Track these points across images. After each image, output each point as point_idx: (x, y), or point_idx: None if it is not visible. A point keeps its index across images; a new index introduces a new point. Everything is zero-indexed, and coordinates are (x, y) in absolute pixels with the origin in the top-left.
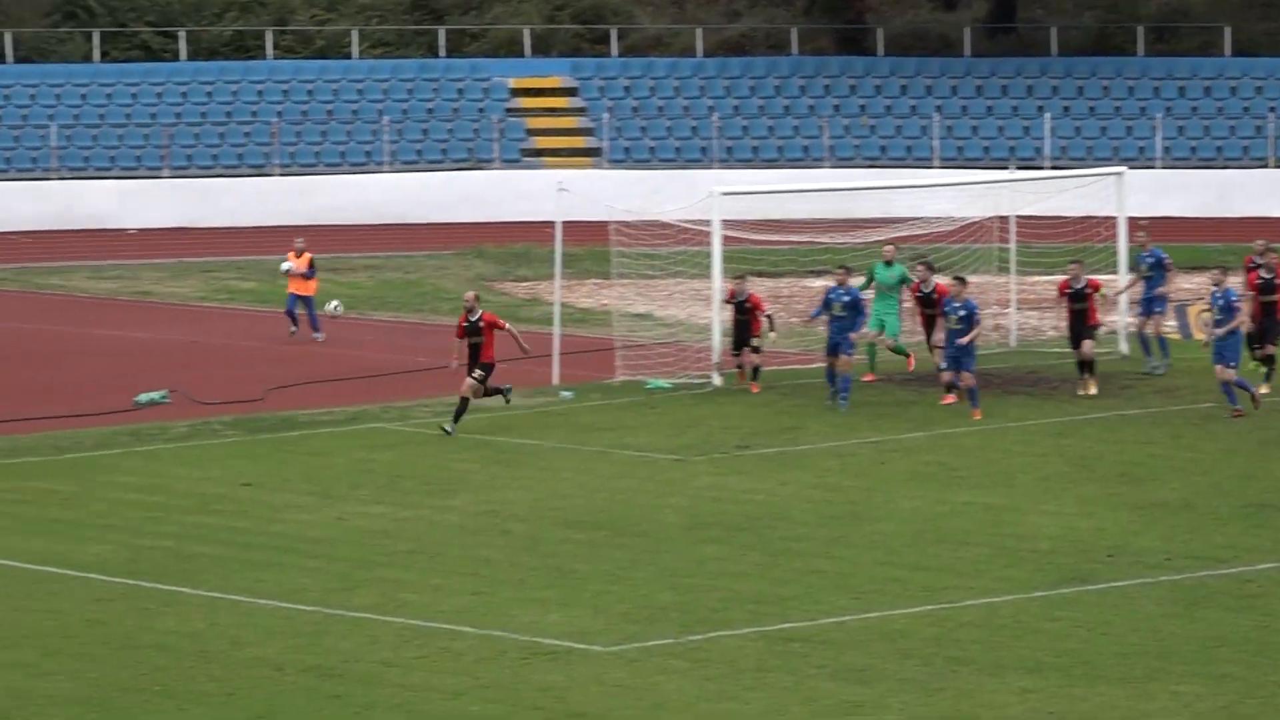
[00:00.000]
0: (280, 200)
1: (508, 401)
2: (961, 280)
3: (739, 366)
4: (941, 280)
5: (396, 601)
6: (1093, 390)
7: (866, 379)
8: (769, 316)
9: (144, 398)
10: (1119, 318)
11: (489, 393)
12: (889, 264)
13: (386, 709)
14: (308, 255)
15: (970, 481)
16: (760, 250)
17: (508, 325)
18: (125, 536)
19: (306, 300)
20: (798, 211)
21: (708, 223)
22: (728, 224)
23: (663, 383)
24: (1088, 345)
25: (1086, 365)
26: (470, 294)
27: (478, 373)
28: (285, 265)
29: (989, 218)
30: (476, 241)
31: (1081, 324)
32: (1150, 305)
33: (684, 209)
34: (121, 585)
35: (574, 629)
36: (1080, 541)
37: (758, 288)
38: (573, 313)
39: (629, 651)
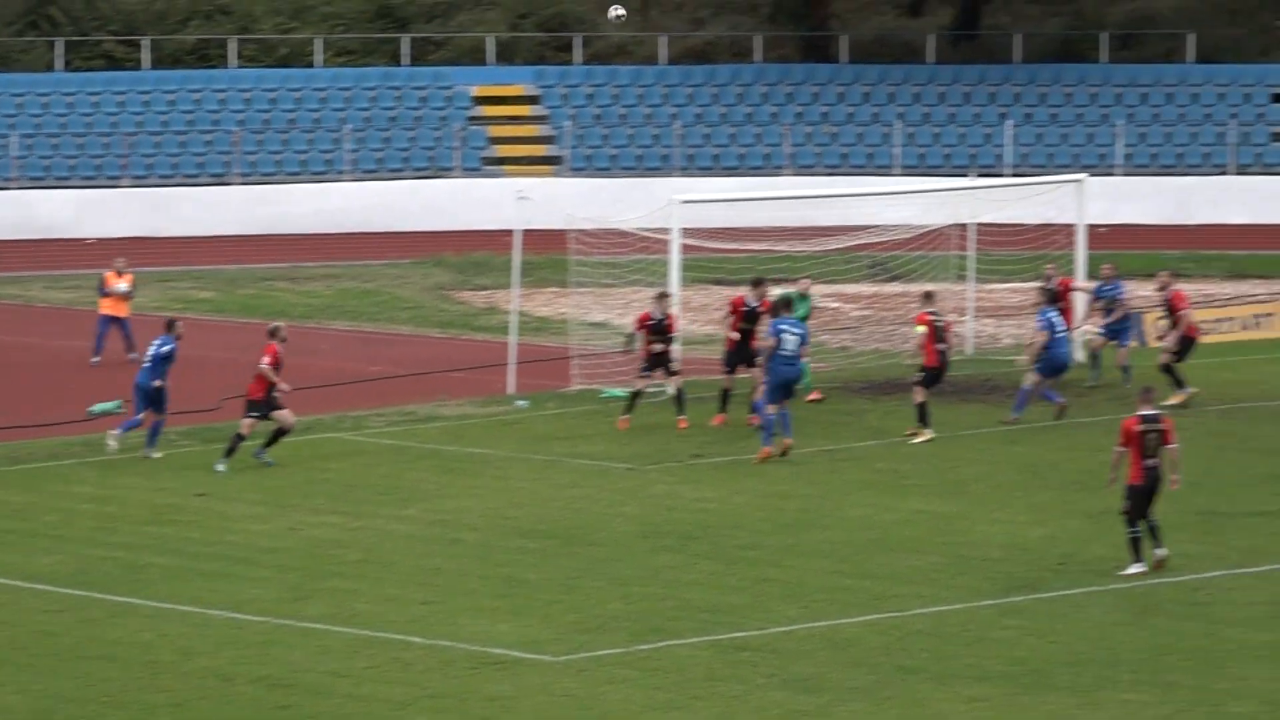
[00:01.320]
0: (240, 209)
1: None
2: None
3: (639, 393)
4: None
5: (348, 612)
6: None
7: (812, 398)
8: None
9: (98, 408)
10: (1079, 327)
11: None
12: (804, 296)
13: (334, 719)
14: (130, 275)
15: (921, 489)
16: (720, 259)
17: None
18: (77, 547)
19: (121, 322)
20: (758, 219)
21: (667, 231)
22: (687, 232)
23: (618, 391)
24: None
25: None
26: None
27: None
28: (120, 286)
29: (948, 225)
30: (436, 250)
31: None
32: (1117, 335)
33: (643, 217)
34: (72, 596)
35: (524, 639)
36: (1031, 550)
37: (717, 296)
38: (530, 321)
39: (578, 661)
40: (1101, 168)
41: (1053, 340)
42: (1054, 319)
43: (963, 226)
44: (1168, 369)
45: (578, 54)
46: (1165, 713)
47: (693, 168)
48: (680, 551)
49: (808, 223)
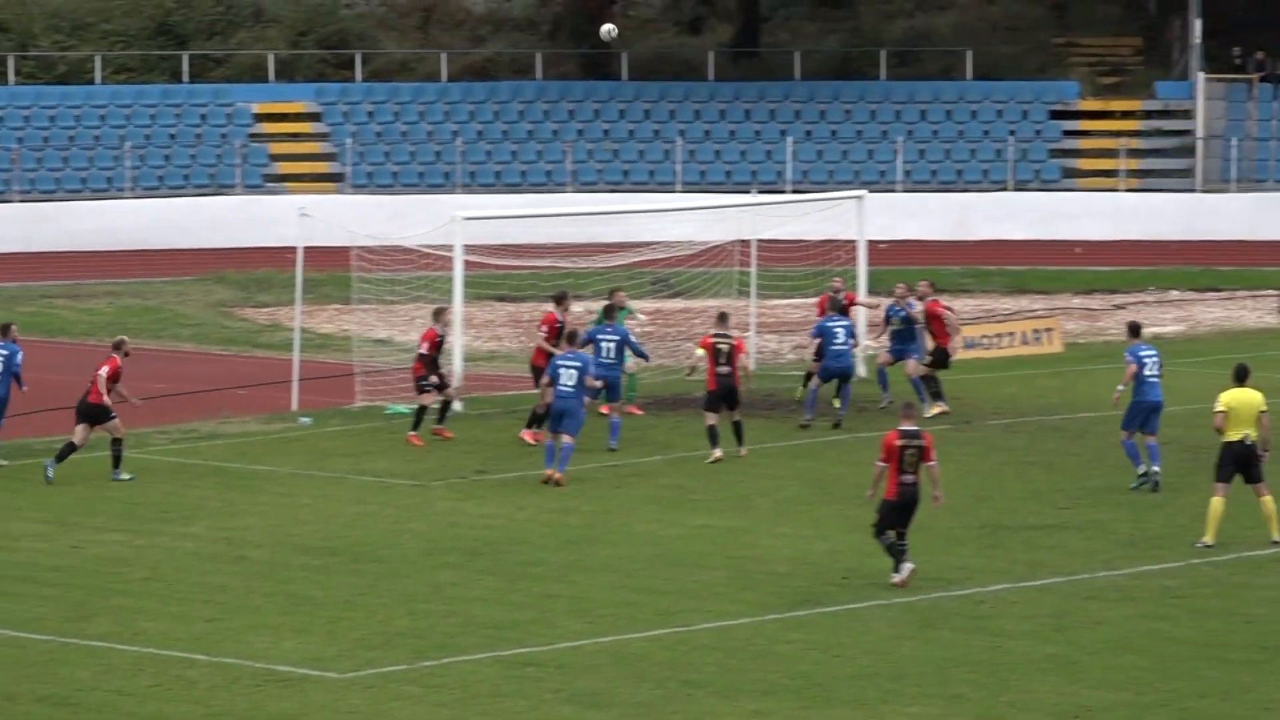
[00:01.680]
0: (20, 226)
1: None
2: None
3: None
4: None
5: (132, 630)
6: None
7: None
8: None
9: None
10: (862, 342)
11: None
12: (621, 308)
13: None
14: None
15: (707, 505)
16: (502, 275)
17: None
18: None
19: None
20: (540, 236)
21: (450, 247)
22: (470, 248)
23: (402, 408)
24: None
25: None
26: None
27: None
28: None
29: (730, 241)
30: (218, 267)
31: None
32: (902, 353)
33: (426, 234)
34: None
35: (309, 656)
36: (815, 564)
37: (500, 312)
38: (313, 338)
39: (364, 678)
40: (882, 184)
41: (829, 348)
42: (831, 327)
43: (745, 242)
44: (926, 380)
45: (358, 71)
46: None
47: (475, 184)
48: (464, 568)
49: (591, 239)
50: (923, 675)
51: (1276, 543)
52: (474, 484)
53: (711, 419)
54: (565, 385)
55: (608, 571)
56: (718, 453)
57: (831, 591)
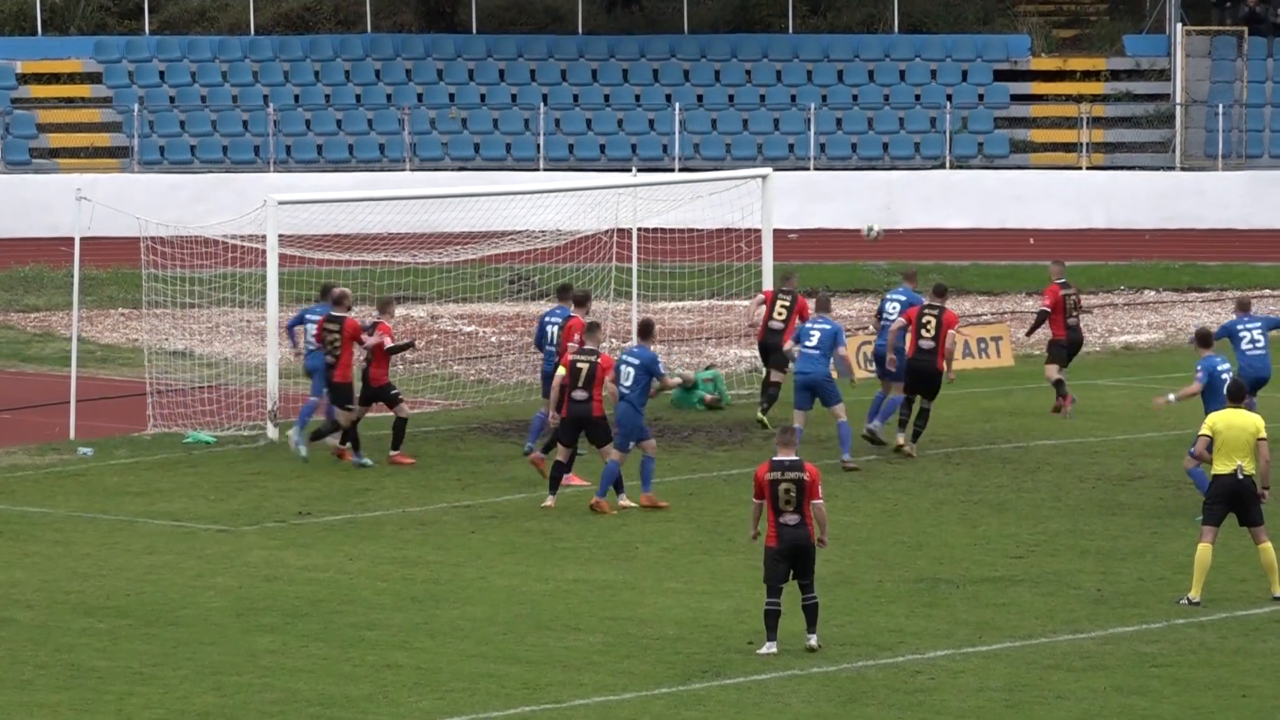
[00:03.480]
0: None
1: None
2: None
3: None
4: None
5: None
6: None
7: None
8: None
9: None
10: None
11: None
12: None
13: None
14: None
15: (580, 554)
16: (328, 271)
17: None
18: None
19: None
20: (373, 224)
21: (262, 239)
22: (286, 240)
23: (205, 435)
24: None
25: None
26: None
27: None
28: None
29: (605, 231)
30: None
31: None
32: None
33: (232, 221)
34: None
35: None
36: (714, 626)
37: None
38: (94, 350)
39: None
40: (791, 160)
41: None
42: (808, 328)
43: (624, 232)
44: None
45: (146, 22)
46: None
47: (292, 161)
48: (284, 632)
49: (434, 228)
50: None
51: (1278, 599)
52: (295, 528)
53: (559, 454)
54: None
55: (460, 636)
56: (549, 500)
57: (734, 660)
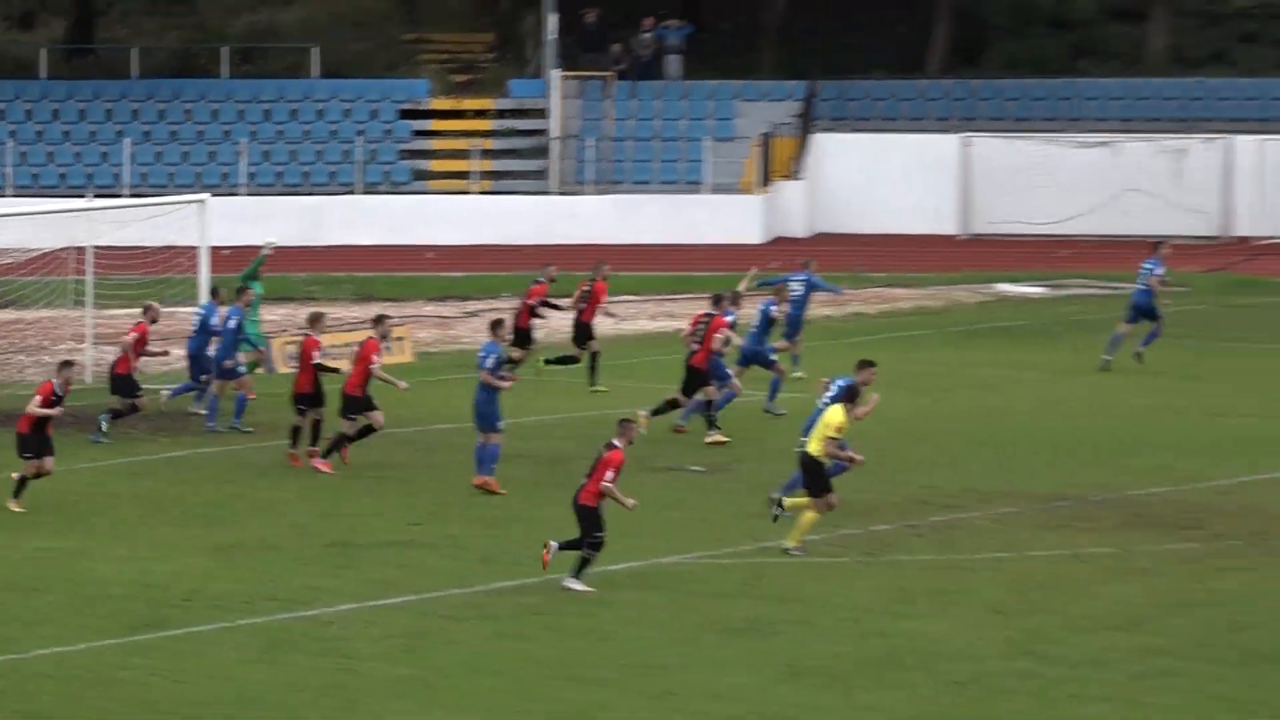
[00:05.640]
0: None
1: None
2: None
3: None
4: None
5: None
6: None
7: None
8: None
9: None
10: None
11: None
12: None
13: None
14: None
15: (44, 527)
16: None
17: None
18: None
19: None
20: None
21: None
22: None
23: None
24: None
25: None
26: None
27: None
28: None
29: (64, 248)
30: None
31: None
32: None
33: None
34: None
35: None
36: (156, 586)
37: None
38: None
39: None
40: (225, 187)
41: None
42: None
43: (81, 249)
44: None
45: None
46: None
47: None
48: None
49: None
50: (270, 700)
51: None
52: None
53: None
54: None
55: None
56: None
57: (173, 614)
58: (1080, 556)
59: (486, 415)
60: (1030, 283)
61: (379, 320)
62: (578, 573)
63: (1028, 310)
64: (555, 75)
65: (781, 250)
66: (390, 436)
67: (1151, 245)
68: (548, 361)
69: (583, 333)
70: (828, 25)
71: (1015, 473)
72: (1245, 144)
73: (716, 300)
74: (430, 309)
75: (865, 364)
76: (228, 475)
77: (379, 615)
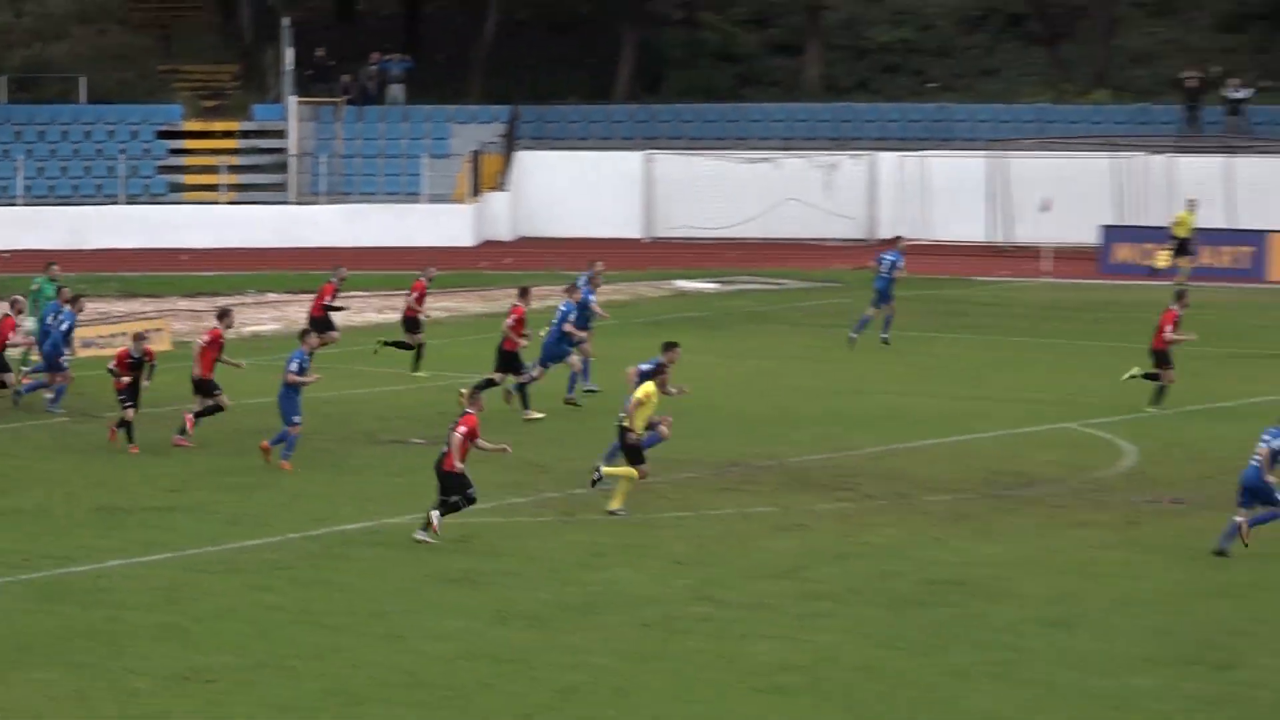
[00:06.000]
0: None
1: None
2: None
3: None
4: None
5: None
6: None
7: None
8: None
9: None
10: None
11: None
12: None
13: None
14: None
15: None
16: None
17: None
18: None
19: None
20: None
21: None
22: None
23: None
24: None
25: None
26: None
27: None
28: None
29: None
30: None
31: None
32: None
33: None
34: None
35: None
36: None
37: None
38: None
39: None
40: (4, 198)
41: None
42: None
43: None
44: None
45: None
46: (71, 689)
47: None
48: None
49: None
50: (46, 646)
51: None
52: None
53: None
54: None
55: None
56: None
57: None
58: (748, 515)
59: (285, 410)
60: (704, 279)
61: (224, 314)
62: (442, 515)
63: (702, 303)
64: (293, 101)
65: (489, 252)
66: (144, 416)
67: (892, 240)
68: (385, 343)
69: (411, 325)
70: (529, 57)
71: (693, 443)
72: (887, 160)
73: (523, 293)
74: (185, 304)
75: (670, 345)
76: (10, 449)
77: (143, 570)
